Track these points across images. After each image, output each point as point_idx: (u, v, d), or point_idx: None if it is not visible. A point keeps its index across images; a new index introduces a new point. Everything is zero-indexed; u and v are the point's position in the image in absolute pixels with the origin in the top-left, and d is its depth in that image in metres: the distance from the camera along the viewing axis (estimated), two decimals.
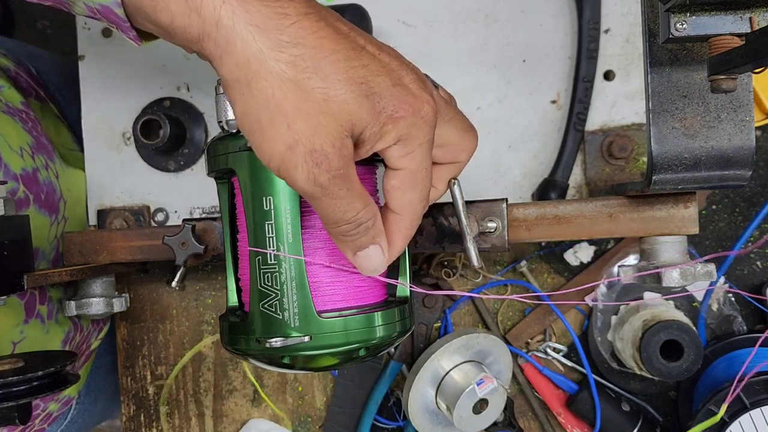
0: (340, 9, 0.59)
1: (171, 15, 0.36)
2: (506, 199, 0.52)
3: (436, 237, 0.53)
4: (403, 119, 0.37)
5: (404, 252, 0.50)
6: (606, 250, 0.65)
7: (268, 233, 0.43)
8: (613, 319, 0.64)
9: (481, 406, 0.60)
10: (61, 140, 0.72)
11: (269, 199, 0.43)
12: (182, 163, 0.67)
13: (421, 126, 0.38)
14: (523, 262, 0.66)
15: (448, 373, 0.61)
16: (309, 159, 0.35)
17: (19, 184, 0.55)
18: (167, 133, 0.63)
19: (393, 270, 0.50)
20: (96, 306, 0.59)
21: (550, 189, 0.63)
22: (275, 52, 0.35)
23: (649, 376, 0.60)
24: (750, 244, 0.64)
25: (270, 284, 0.43)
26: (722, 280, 0.63)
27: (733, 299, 0.64)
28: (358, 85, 0.36)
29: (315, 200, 0.37)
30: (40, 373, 0.41)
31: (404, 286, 0.49)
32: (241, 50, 0.35)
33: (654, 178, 0.44)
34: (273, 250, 0.43)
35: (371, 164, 0.48)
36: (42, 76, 0.76)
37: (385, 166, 0.41)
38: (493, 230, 0.52)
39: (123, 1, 0.38)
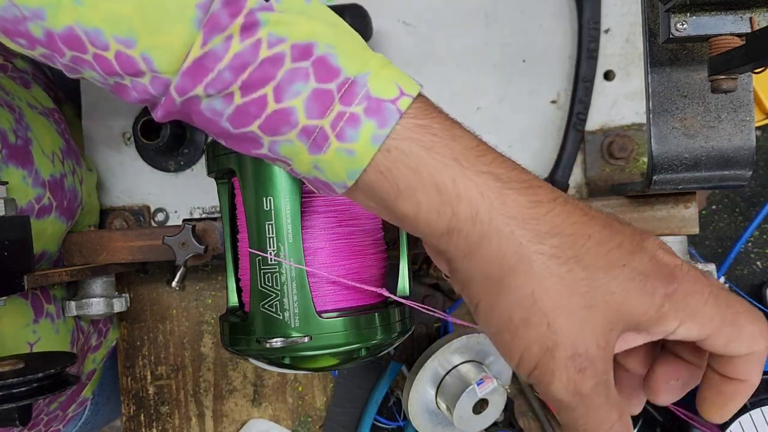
0: (339, 9, 0.59)
1: (417, 206, 0.33)
2: None
3: None
4: (677, 292, 0.33)
5: (404, 254, 0.50)
6: None
7: (269, 233, 0.43)
8: None
9: (481, 406, 0.60)
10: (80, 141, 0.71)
11: (269, 199, 0.43)
12: (182, 163, 0.67)
13: (694, 284, 0.33)
14: None
15: (448, 373, 0.61)
16: (570, 365, 0.32)
17: (45, 190, 0.54)
18: (167, 133, 0.63)
19: (393, 271, 0.50)
20: (96, 306, 0.59)
21: None
22: (535, 245, 0.32)
23: None
24: (750, 244, 0.64)
25: (270, 284, 0.43)
26: (722, 279, 0.63)
27: None
28: (621, 269, 0.32)
29: (568, 410, 0.33)
30: (40, 374, 0.41)
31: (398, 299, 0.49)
32: (496, 245, 0.32)
33: (654, 178, 0.44)
34: (273, 251, 0.43)
35: None
36: (56, 78, 0.75)
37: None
38: None
39: (356, 184, 0.34)
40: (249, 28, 0.32)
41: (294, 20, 0.33)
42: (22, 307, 0.54)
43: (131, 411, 0.70)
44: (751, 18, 0.36)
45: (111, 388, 0.75)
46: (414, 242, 0.54)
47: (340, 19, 0.36)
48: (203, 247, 0.55)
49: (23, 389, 0.41)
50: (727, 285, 0.63)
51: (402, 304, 0.47)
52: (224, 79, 0.33)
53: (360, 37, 0.35)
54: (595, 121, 0.64)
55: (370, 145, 0.33)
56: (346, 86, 0.33)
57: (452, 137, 0.33)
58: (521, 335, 0.32)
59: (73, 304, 0.58)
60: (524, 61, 0.65)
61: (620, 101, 0.64)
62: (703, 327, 0.33)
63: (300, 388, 0.69)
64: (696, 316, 0.33)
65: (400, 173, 0.33)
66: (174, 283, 0.54)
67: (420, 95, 0.34)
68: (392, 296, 0.45)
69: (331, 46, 0.33)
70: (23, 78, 0.64)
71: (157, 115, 0.35)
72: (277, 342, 0.42)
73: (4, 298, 0.47)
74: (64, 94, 0.75)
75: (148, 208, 0.69)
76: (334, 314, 0.44)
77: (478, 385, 0.59)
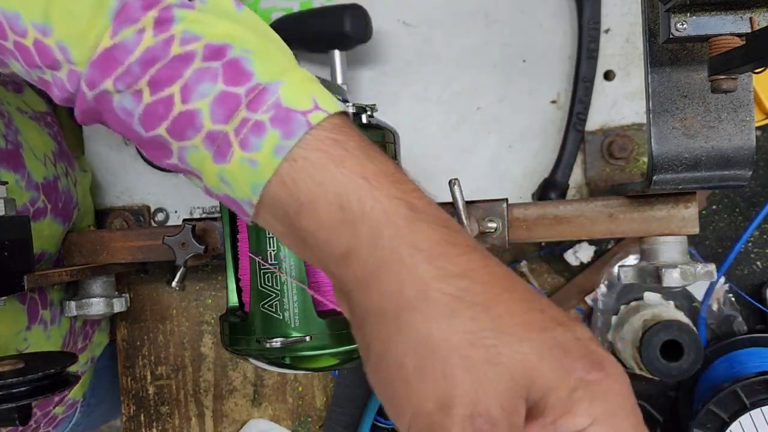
0: (339, 9, 0.59)
1: (317, 222, 0.30)
2: (506, 199, 0.52)
3: None
4: (599, 383, 0.27)
5: None
6: (606, 250, 0.65)
7: (269, 233, 0.43)
8: (613, 319, 0.64)
9: None
10: (77, 141, 0.71)
11: None
12: None
13: (622, 385, 0.28)
14: (523, 262, 0.66)
15: None
16: (468, 426, 0.26)
17: (39, 193, 0.54)
18: None
19: None
20: (96, 306, 0.59)
21: (550, 189, 0.63)
22: (439, 282, 0.28)
23: (649, 376, 0.60)
24: (750, 244, 0.64)
25: (270, 284, 0.43)
26: (722, 280, 0.63)
27: (733, 299, 0.64)
28: (539, 333, 0.28)
29: None
30: (40, 374, 0.41)
31: None
32: (396, 275, 0.28)
33: (654, 178, 0.44)
34: (273, 251, 0.43)
35: None
36: None
37: None
38: (493, 230, 0.52)
39: (261, 199, 0.31)
40: (163, 23, 0.32)
41: (213, 21, 0.32)
42: (18, 314, 0.53)
43: (131, 411, 0.70)
44: (751, 18, 0.36)
45: (106, 388, 0.75)
46: None
47: (274, 33, 0.34)
48: (203, 247, 0.55)
49: (23, 389, 0.41)
50: (727, 285, 0.63)
51: None
52: (133, 73, 0.32)
53: (291, 54, 0.34)
54: (595, 121, 0.64)
55: (272, 156, 0.30)
56: (256, 92, 0.31)
57: (368, 157, 0.30)
58: (414, 387, 0.27)
59: (73, 304, 0.58)
60: (524, 61, 0.65)
61: (620, 101, 0.64)
62: None
63: (300, 388, 0.69)
64: (613, 421, 0.27)
65: (304, 185, 0.30)
66: (174, 283, 0.54)
67: (340, 115, 0.32)
68: None
69: (249, 51, 0.32)
70: (15, 83, 0.64)
71: (77, 115, 0.35)
72: (276, 342, 0.42)
73: (3, 298, 0.47)
74: None
75: (148, 208, 0.69)
76: (334, 314, 0.44)
77: None
